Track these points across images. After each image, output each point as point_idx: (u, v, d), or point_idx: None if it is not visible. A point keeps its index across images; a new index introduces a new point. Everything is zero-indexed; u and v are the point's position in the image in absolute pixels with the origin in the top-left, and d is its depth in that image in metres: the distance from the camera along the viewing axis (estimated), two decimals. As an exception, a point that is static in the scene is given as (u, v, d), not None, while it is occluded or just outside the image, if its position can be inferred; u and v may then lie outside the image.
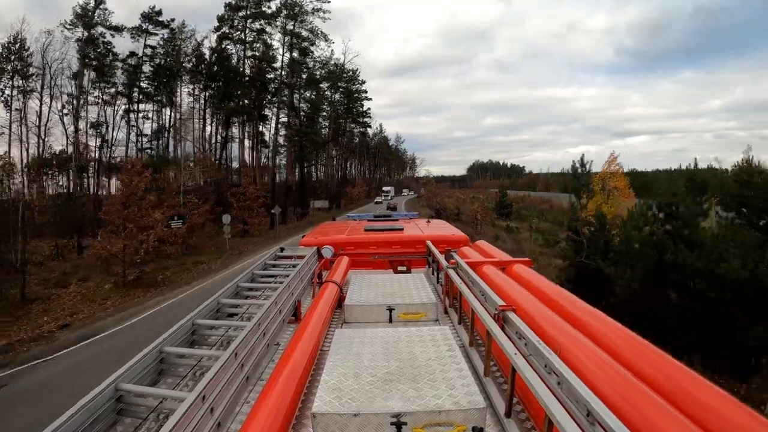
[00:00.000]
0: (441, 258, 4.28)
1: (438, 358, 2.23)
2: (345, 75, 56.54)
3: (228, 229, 29.24)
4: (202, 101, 47.49)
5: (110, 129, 41.55)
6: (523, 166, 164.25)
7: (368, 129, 66.53)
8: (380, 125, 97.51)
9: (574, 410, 1.56)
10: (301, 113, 52.53)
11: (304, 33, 48.10)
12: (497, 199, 59.58)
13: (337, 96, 59.26)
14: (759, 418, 1.44)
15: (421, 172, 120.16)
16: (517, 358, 1.89)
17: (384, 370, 2.12)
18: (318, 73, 52.96)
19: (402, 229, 6.50)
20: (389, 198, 66.54)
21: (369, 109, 63.68)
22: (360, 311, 3.41)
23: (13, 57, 34.55)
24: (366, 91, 61.49)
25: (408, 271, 5.32)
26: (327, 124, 59.38)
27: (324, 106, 57.32)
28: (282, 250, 4.90)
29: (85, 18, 38.37)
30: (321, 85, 54.64)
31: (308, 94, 53.51)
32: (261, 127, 49.80)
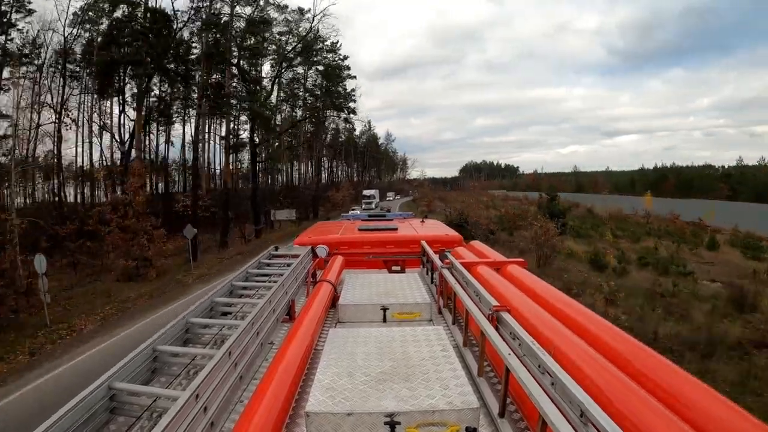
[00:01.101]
0: (435, 258, 4.29)
1: (432, 358, 2.23)
2: (321, 43, 41.18)
3: (44, 284, 14.21)
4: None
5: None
6: (517, 167, 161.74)
7: (353, 116, 50.03)
8: (369, 122, 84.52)
9: (568, 410, 1.57)
10: (248, 75, 37.26)
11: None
12: (541, 203, 40.12)
13: (311, 78, 44.70)
14: (751, 419, 1.46)
15: (413, 173, 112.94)
16: (511, 359, 1.90)
17: (378, 369, 2.12)
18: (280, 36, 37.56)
19: (396, 229, 6.51)
20: (372, 206, 52.32)
21: (354, 90, 47.92)
22: (354, 311, 3.41)
23: None
24: (349, 68, 46.02)
25: (402, 271, 5.32)
26: (300, 113, 46.59)
27: (297, 90, 44.38)
28: (276, 249, 4.88)
29: None
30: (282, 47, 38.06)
31: (253, 43, 37.08)
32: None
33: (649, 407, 1.55)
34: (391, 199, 75.83)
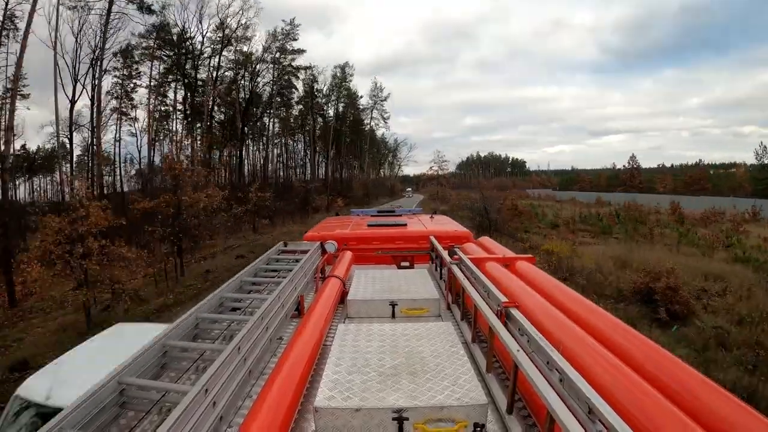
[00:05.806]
0: (444, 254, 4.27)
1: (440, 354, 2.23)
2: None
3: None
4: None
5: None
6: (524, 161, 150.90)
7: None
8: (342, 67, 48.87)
9: (576, 407, 1.56)
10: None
11: None
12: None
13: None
14: (758, 417, 1.44)
15: (407, 168, 75.66)
16: (520, 355, 1.89)
17: (386, 365, 2.12)
18: None
19: (405, 225, 6.50)
20: None
21: None
22: (363, 306, 3.42)
23: None
24: None
25: (411, 267, 5.32)
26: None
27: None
28: (285, 244, 4.90)
29: None
30: None
31: None
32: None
33: (656, 404, 1.53)
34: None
